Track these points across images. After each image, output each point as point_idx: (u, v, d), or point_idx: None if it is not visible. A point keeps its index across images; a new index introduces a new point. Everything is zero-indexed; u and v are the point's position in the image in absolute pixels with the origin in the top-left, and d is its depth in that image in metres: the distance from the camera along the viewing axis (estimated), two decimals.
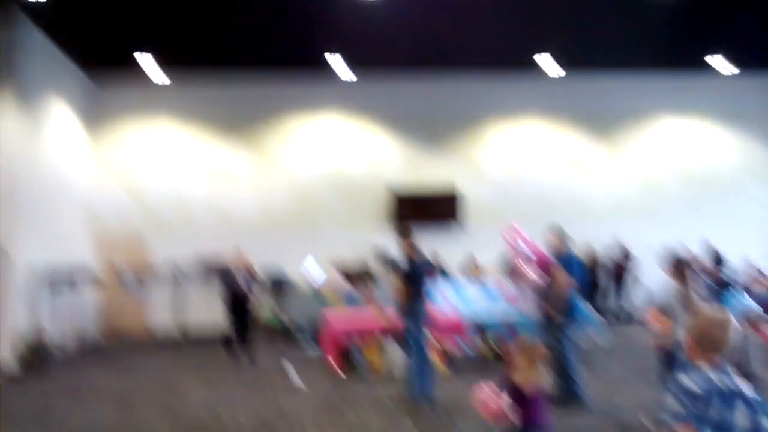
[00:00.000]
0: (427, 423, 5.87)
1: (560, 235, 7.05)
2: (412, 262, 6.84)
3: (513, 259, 9.63)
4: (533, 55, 13.32)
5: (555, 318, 6.49)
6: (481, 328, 8.90)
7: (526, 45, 12.70)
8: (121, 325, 13.05)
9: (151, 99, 13.65)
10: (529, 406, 4.24)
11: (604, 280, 14.05)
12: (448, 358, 8.85)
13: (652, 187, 14.74)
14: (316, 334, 11.07)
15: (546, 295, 6.82)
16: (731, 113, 14.97)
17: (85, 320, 12.28)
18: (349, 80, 13.86)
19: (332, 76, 13.86)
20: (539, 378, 4.29)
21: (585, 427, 5.56)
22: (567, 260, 6.81)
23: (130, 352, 11.38)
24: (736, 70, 14.27)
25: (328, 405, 6.81)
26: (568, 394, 6.61)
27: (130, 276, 13.04)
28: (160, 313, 13.13)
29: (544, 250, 9.54)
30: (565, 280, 6.61)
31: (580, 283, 6.87)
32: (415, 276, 6.78)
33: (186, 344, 12.25)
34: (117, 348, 12.00)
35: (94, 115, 13.41)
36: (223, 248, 12.76)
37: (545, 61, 13.43)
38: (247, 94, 13.86)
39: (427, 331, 6.93)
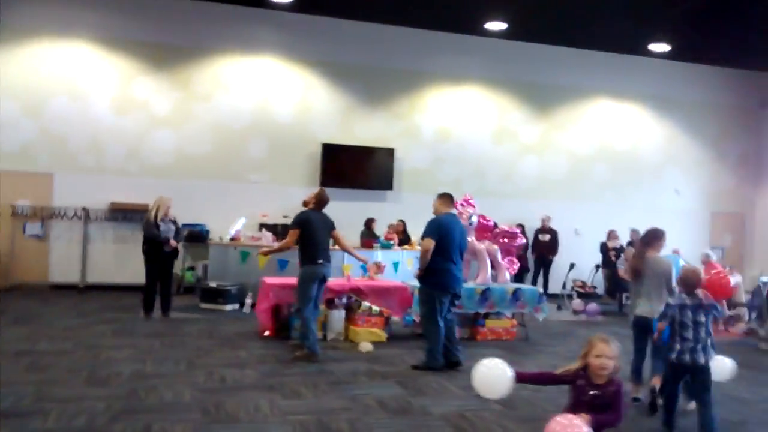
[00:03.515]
0: (386, 393, 5.48)
1: (440, 199, 6.98)
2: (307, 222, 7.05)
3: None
4: (483, 23, 13.03)
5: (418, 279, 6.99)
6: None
7: (475, 10, 12.38)
8: (21, 272, 11.71)
9: (68, 19, 12.06)
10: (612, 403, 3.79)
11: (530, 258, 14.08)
12: (387, 325, 8.51)
13: (578, 167, 14.93)
14: (240, 294, 10.42)
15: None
16: (662, 101, 15.37)
17: None
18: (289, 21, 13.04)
19: (271, 17, 12.99)
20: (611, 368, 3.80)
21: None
22: (437, 225, 6.72)
23: (32, 302, 10.18)
24: (673, 59, 14.69)
25: (272, 372, 6.26)
26: (433, 356, 6.68)
27: (31, 216, 11.77)
28: (65, 260, 11.94)
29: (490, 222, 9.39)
30: (424, 244, 6.67)
31: (452, 249, 6.73)
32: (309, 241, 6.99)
33: (92, 295, 11.25)
34: (17, 297, 10.68)
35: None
36: (139, 193, 11.82)
37: (496, 27, 13.20)
38: (176, 24, 12.62)
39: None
